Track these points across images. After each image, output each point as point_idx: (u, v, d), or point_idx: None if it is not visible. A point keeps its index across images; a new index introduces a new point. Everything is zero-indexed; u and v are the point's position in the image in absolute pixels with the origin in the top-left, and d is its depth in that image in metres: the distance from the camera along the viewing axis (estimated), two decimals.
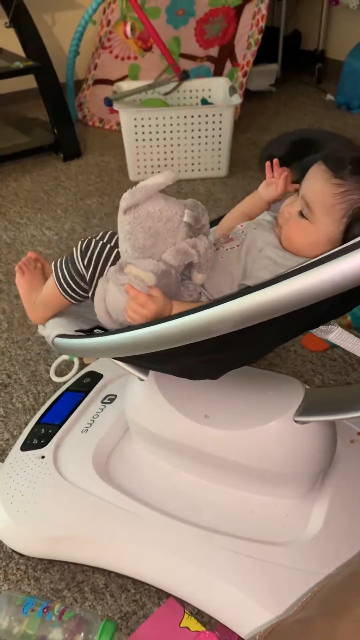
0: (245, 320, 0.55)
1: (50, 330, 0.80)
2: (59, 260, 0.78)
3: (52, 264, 0.79)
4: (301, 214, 0.68)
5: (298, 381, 0.81)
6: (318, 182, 0.67)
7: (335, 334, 0.69)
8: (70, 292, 0.77)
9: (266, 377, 0.86)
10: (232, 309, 0.55)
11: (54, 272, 0.77)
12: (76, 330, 0.78)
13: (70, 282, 0.76)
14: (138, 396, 0.87)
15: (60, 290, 0.77)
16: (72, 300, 0.78)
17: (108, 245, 0.73)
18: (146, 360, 0.77)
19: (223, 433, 0.78)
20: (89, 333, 0.76)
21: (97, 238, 0.75)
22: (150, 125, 1.97)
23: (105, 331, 0.74)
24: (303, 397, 0.77)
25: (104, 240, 0.74)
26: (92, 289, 0.75)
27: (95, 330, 0.77)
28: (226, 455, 0.80)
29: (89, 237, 0.75)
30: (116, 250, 0.73)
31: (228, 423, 0.79)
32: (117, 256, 0.73)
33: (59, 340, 0.77)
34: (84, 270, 0.74)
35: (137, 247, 0.69)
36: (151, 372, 0.83)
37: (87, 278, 0.74)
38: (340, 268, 0.48)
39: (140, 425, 0.88)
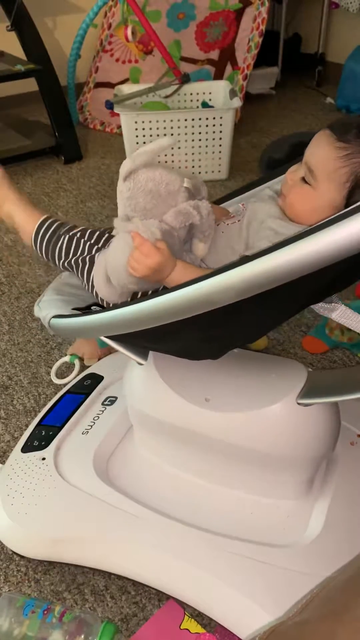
0: (247, 289, 0.53)
1: (47, 311, 0.78)
2: (42, 230, 0.81)
3: (35, 228, 0.83)
4: (304, 180, 0.67)
5: (300, 364, 0.80)
6: (321, 147, 0.66)
7: (339, 312, 0.68)
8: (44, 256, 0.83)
9: (268, 360, 0.84)
10: (234, 277, 0.53)
11: (34, 236, 0.82)
12: (72, 309, 0.77)
13: (48, 257, 0.81)
14: (137, 381, 0.85)
15: (37, 250, 0.83)
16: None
17: (96, 247, 0.76)
18: (145, 339, 0.74)
19: (224, 416, 0.77)
20: (86, 311, 0.74)
21: (85, 238, 0.77)
22: (151, 128, 1.98)
23: (102, 308, 0.72)
24: (306, 379, 0.76)
25: (91, 241, 0.76)
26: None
27: (92, 308, 0.76)
28: (227, 438, 0.78)
29: (77, 236, 0.77)
30: (95, 248, 0.76)
31: (229, 406, 0.77)
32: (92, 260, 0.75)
33: (55, 321, 0.75)
34: (59, 262, 0.78)
35: (138, 210, 0.69)
36: (150, 356, 0.81)
37: (63, 267, 0.80)
38: (344, 232, 0.47)
39: (140, 410, 0.86)
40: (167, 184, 0.69)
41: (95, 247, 0.77)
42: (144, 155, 0.68)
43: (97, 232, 0.80)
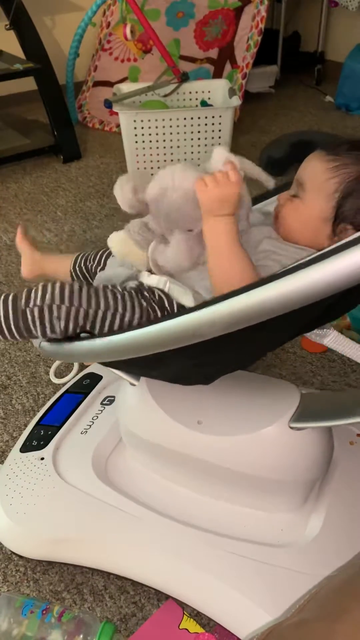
0: (236, 322, 0.52)
1: None
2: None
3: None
4: (295, 197, 0.68)
5: (293, 386, 0.80)
6: (312, 162, 0.66)
7: (331, 338, 0.67)
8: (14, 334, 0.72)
9: (261, 381, 0.84)
10: (222, 311, 0.53)
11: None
12: None
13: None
14: (129, 401, 0.84)
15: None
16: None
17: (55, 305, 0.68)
18: (136, 366, 0.75)
19: (216, 439, 0.76)
20: (76, 337, 0.73)
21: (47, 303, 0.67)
22: (149, 127, 1.97)
23: (92, 335, 0.72)
24: (298, 402, 0.75)
25: (57, 303, 0.68)
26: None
27: (81, 334, 0.74)
28: (219, 462, 0.78)
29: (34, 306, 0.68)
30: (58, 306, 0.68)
31: (221, 429, 0.76)
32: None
33: (45, 345, 0.74)
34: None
35: (166, 217, 0.70)
36: (143, 377, 0.81)
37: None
38: (335, 267, 0.46)
39: (131, 431, 0.86)
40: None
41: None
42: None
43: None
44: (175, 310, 0.69)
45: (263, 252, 0.67)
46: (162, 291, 0.70)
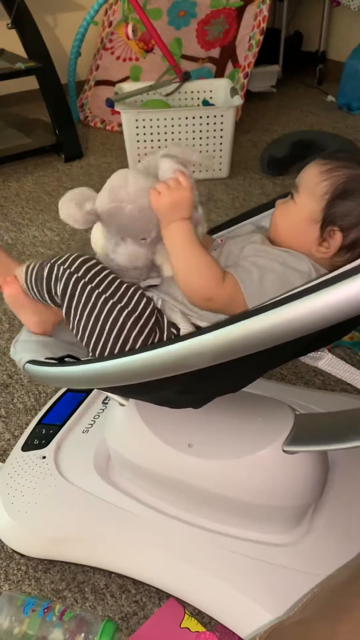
0: (225, 354, 0.50)
1: (21, 355, 0.75)
2: (30, 269, 0.74)
3: (24, 269, 0.75)
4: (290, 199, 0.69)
5: (287, 406, 0.77)
6: (309, 168, 0.68)
7: (325, 361, 0.66)
8: (39, 299, 0.75)
9: (254, 401, 0.81)
10: (210, 342, 0.51)
11: (24, 279, 0.75)
12: (46, 358, 0.73)
13: (39, 296, 0.74)
14: (118, 423, 0.82)
15: (32, 294, 0.75)
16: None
17: (82, 282, 0.68)
18: (122, 391, 0.73)
19: (207, 463, 0.74)
20: (60, 361, 0.72)
21: (71, 270, 0.69)
22: (151, 127, 1.98)
23: (77, 360, 0.70)
24: (292, 424, 0.73)
25: (79, 275, 0.69)
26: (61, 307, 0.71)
27: (65, 359, 0.73)
28: (210, 487, 0.75)
29: (60, 266, 0.70)
30: (77, 277, 0.69)
31: (213, 453, 0.74)
32: (89, 292, 0.68)
33: (29, 366, 0.72)
34: (51, 300, 0.72)
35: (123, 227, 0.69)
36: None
37: (51, 301, 0.73)
38: (322, 301, 0.44)
39: (120, 453, 0.84)
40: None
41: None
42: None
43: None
44: (165, 329, 0.68)
45: (243, 258, 0.67)
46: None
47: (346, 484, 0.85)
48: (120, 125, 2.39)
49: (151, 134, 1.99)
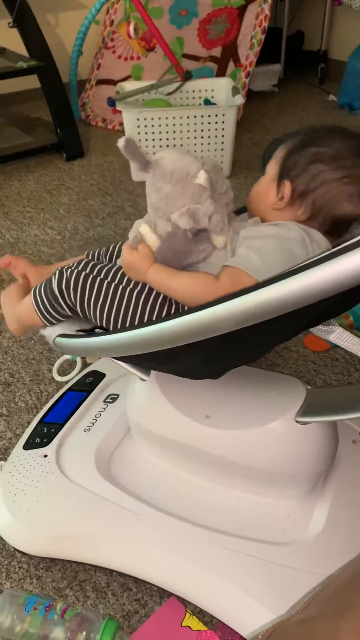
0: (247, 319, 0.55)
1: (52, 330, 0.80)
2: (37, 288, 0.79)
3: (32, 293, 0.80)
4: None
5: (299, 381, 0.81)
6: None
7: (336, 335, 0.70)
8: (50, 318, 0.79)
9: (268, 377, 0.86)
10: (233, 307, 0.55)
11: (33, 298, 0.79)
12: (77, 330, 0.78)
13: (51, 310, 0.78)
14: (139, 396, 0.87)
15: (40, 316, 0.79)
16: (50, 324, 0.80)
17: (90, 276, 0.74)
18: (147, 360, 0.77)
19: (224, 433, 0.78)
20: (90, 332, 0.77)
21: (79, 269, 0.75)
22: (153, 126, 1.97)
23: (106, 331, 0.74)
24: (304, 397, 0.77)
25: (87, 271, 0.75)
26: (77, 313, 0.77)
27: (96, 330, 0.78)
28: (227, 455, 0.80)
29: (67, 269, 0.75)
30: (94, 277, 0.74)
31: (229, 423, 0.78)
32: (100, 283, 0.73)
33: (60, 340, 0.77)
34: (65, 304, 0.76)
35: (152, 205, 0.73)
36: (153, 372, 0.83)
37: (68, 308, 0.77)
38: (341, 266, 0.48)
39: (141, 425, 0.88)
40: (177, 183, 0.70)
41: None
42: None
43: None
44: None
45: (239, 244, 0.70)
46: None
47: (348, 483, 0.85)
48: (121, 124, 2.39)
49: (152, 133, 1.99)
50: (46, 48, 2.17)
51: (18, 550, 0.89)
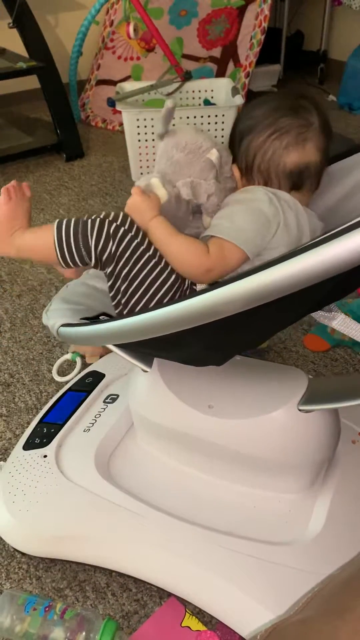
0: (253, 300, 0.54)
1: (54, 320, 0.79)
2: (64, 226, 0.72)
3: (56, 226, 0.73)
4: None
5: (301, 371, 0.81)
6: None
7: (339, 321, 0.71)
8: (70, 262, 0.73)
9: (269, 367, 0.86)
10: (239, 289, 0.54)
11: (57, 236, 0.72)
12: (81, 319, 0.78)
13: (76, 256, 0.72)
14: (142, 388, 0.87)
15: (61, 259, 0.73)
16: (65, 265, 0.74)
17: (129, 234, 0.71)
18: (152, 347, 0.76)
19: (227, 422, 0.78)
20: (95, 320, 0.76)
21: (118, 223, 0.71)
22: (152, 126, 1.97)
23: (111, 317, 0.75)
24: (307, 386, 0.77)
25: (125, 227, 0.71)
26: (99, 266, 0.73)
27: (100, 317, 0.78)
28: (230, 444, 0.80)
29: (109, 220, 0.71)
30: (132, 238, 0.71)
31: (232, 413, 0.79)
32: (136, 246, 0.71)
33: (63, 329, 0.76)
34: (95, 253, 0.72)
35: (160, 171, 0.75)
36: (155, 364, 0.83)
37: (95, 258, 0.72)
38: (347, 245, 0.47)
39: (144, 417, 0.88)
40: (188, 153, 0.74)
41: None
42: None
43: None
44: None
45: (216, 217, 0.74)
46: None
47: (347, 483, 0.85)
48: (121, 124, 2.39)
49: (152, 133, 1.99)
50: (46, 48, 2.17)
51: (18, 551, 0.89)
